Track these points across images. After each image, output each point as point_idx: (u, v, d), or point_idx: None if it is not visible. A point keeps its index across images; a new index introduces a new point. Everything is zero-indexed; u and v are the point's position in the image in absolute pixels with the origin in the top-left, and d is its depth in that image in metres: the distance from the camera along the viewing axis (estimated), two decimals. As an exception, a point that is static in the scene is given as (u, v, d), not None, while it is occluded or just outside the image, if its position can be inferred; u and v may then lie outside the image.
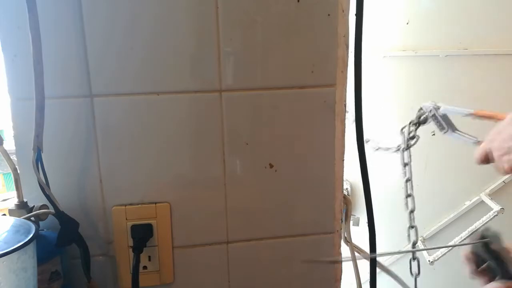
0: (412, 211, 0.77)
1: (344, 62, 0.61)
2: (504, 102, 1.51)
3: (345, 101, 0.63)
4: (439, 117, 0.69)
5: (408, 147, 0.78)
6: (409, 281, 0.79)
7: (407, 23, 1.59)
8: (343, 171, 0.65)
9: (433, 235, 1.70)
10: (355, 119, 0.62)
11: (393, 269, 0.69)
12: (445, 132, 0.70)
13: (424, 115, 0.73)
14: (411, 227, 0.77)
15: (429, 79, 1.58)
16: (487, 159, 0.58)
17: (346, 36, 0.61)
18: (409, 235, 0.76)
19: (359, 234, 0.80)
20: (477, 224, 1.50)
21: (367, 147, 0.64)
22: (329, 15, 0.59)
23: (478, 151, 0.59)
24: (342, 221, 0.66)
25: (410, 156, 0.79)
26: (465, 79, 1.56)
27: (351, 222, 0.74)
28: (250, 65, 0.59)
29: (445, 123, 0.69)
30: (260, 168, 0.62)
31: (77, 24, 0.54)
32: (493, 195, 1.59)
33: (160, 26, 0.56)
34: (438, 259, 1.50)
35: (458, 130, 0.69)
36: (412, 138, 0.77)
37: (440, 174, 1.63)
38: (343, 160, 0.64)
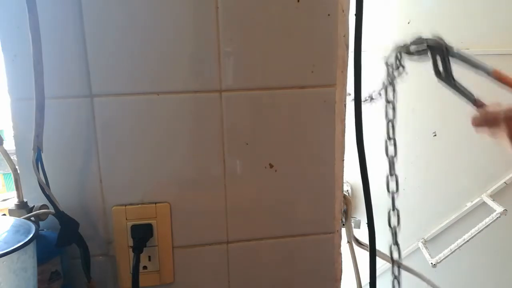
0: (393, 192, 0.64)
1: (344, 62, 0.61)
2: (507, 102, 1.50)
3: (345, 101, 0.63)
4: (442, 57, 0.55)
5: (392, 83, 0.63)
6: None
7: (408, 23, 1.59)
8: (343, 171, 0.65)
9: (434, 237, 1.69)
10: (355, 119, 0.61)
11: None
12: (440, 79, 0.56)
13: (422, 46, 0.58)
14: (393, 209, 0.65)
15: (430, 79, 1.58)
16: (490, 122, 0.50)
17: (346, 36, 0.61)
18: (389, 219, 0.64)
19: (360, 237, 0.80)
20: (480, 226, 1.49)
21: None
22: (329, 15, 0.59)
23: (484, 113, 0.50)
24: (342, 221, 0.66)
25: (395, 93, 0.62)
26: (467, 79, 1.55)
27: (352, 225, 0.73)
28: (250, 65, 0.59)
29: (446, 68, 0.55)
30: (260, 168, 0.62)
31: (77, 24, 0.54)
32: (494, 196, 1.58)
33: (160, 26, 0.56)
34: (440, 261, 1.49)
35: (456, 82, 0.56)
36: (397, 68, 0.60)
37: (440, 175, 1.62)
38: (343, 160, 0.64)
